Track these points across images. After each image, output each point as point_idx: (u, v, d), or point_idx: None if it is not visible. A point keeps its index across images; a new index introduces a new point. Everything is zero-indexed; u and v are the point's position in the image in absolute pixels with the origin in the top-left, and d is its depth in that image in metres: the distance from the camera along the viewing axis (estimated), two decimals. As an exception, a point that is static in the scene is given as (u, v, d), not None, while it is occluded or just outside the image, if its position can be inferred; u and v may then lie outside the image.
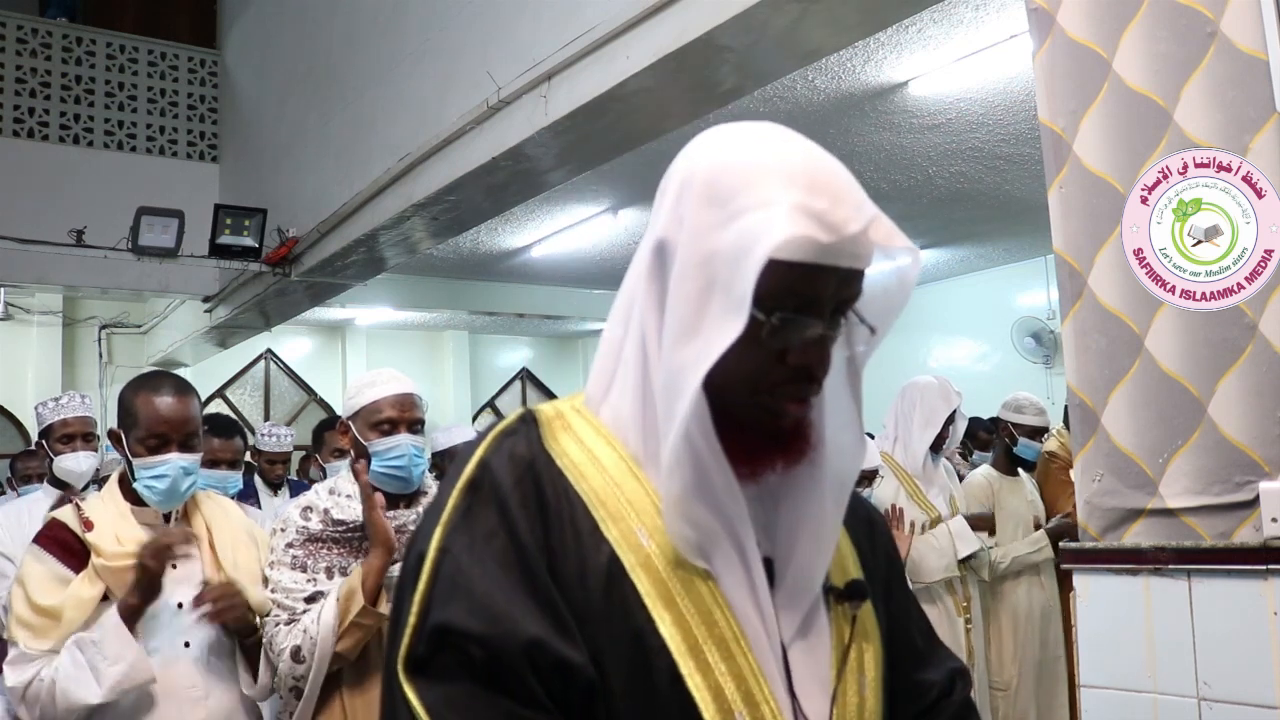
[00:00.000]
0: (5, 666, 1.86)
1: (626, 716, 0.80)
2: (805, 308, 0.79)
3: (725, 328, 0.76)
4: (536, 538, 0.81)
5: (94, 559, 1.89)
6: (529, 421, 0.89)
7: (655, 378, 0.83)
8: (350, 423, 2.23)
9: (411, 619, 0.80)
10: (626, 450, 0.86)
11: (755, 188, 0.78)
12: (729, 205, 0.78)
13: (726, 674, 0.81)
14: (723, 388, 0.80)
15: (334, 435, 4.11)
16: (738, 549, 0.84)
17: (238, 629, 2.01)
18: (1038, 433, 3.74)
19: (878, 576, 0.97)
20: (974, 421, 5.37)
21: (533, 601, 0.79)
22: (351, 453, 2.26)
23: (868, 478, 3.03)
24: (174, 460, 1.96)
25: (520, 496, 0.82)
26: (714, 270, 0.78)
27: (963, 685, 1.02)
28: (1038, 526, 3.67)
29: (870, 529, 1.01)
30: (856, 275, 0.81)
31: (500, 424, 0.89)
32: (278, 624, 2.02)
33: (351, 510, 2.13)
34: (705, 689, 0.80)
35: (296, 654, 1.98)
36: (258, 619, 2.04)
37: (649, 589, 0.81)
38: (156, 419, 1.97)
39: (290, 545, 2.08)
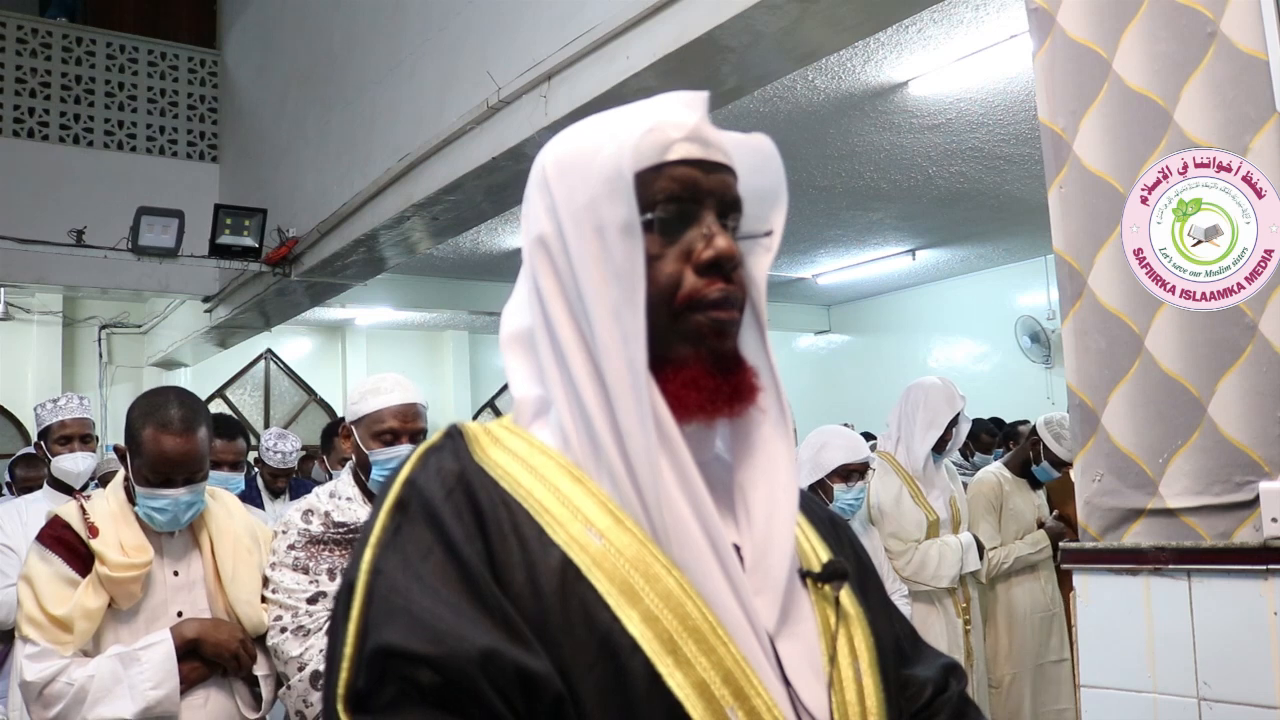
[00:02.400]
0: (25, 660, 1.85)
1: None
2: (687, 198, 0.82)
3: (631, 249, 0.79)
4: (476, 549, 0.75)
5: (98, 567, 1.89)
6: (454, 435, 0.85)
7: (579, 368, 0.81)
8: (353, 427, 2.24)
9: (348, 649, 0.73)
10: (566, 459, 0.81)
11: (598, 138, 0.83)
12: (582, 162, 0.83)
13: (709, 668, 0.75)
14: (650, 321, 0.79)
15: (341, 441, 4.11)
16: (704, 532, 0.79)
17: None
18: (1064, 464, 3.70)
19: (850, 570, 0.93)
20: (976, 423, 5.35)
21: (481, 613, 0.72)
22: (353, 458, 2.27)
23: (859, 471, 3.01)
24: (177, 495, 1.95)
25: (453, 508, 0.77)
26: (597, 214, 0.80)
27: (957, 680, 0.98)
28: (1040, 526, 3.68)
29: (833, 527, 0.98)
30: (723, 170, 0.84)
31: (424, 442, 0.85)
32: (284, 630, 2.01)
33: (352, 513, 2.13)
34: (688, 686, 0.74)
35: (316, 680, 1.96)
36: (258, 638, 2.03)
37: (609, 588, 0.75)
38: (161, 459, 1.93)
39: (292, 547, 2.08)
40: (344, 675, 0.73)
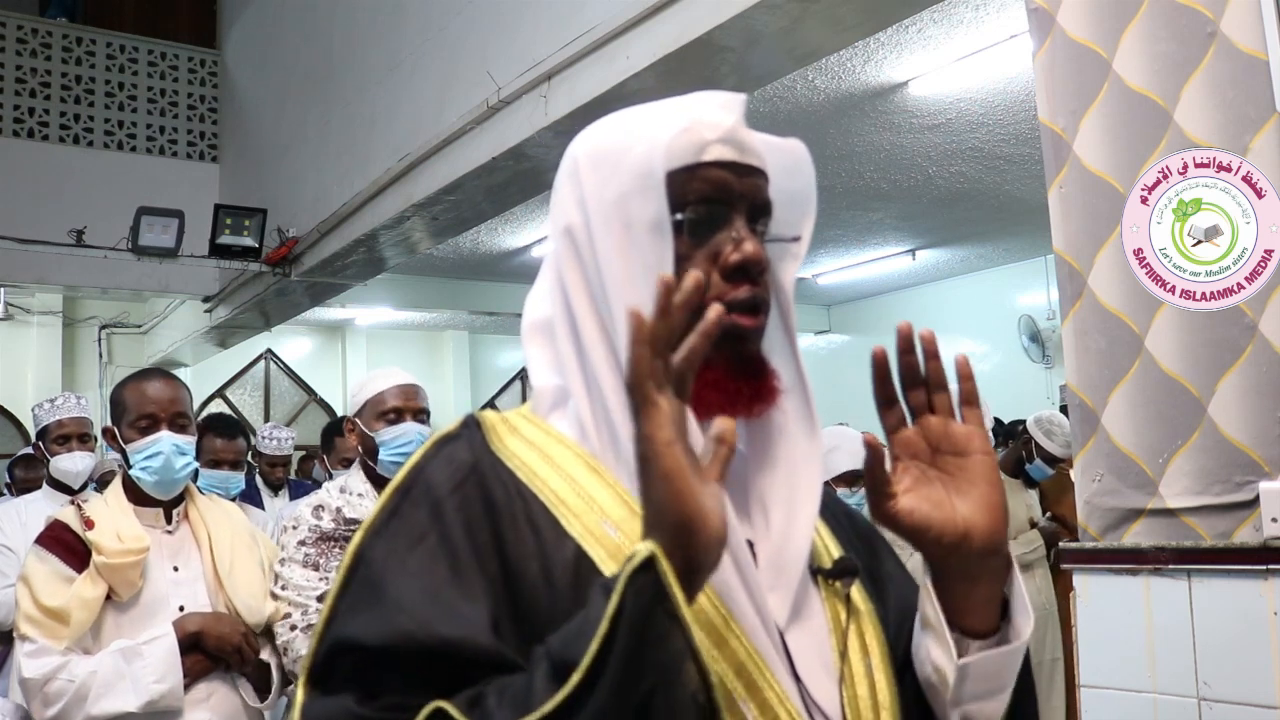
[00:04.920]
0: (24, 658, 1.85)
1: None
2: (718, 200, 0.82)
3: (660, 247, 0.78)
4: (476, 543, 0.76)
5: (95, 557, 1.90)
6: (471, 425, 0.85)
7: (599, 360, 0.81)
8: (356, 419, 2.25)
9: (320, 628, 0.77)
10: (583, 450, 0.82)
11: (633, 133, 0.83)
12: (614, 156, 0.83)
13: (721, 660, 0.75)
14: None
15: (344, 441, 4.13)
16: None
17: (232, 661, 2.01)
18: (1056, 460, 3.69)
19: (861, 563, 0.92)
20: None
21: (457, 605, 0.73)
22: (359, 449, 2.27)
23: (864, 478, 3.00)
24: (166, 437, 1.99)
25: (459, 500, 0.78)
26: (626, 209, 0.80)
27: None
28: (1033, 526, 3.68)
29: (850, 520, 0.97)
30: (756, 174, 0.83)
31: (440, 430, 0.86)
32: (293, 628, 2.01)
33: (363, 508, 2.14)
34: None
35: None
36: (259, 632, 2.04)
37: None
38: (144, 400, 2.03)
39: (302, 543, 2.09)
40: (312, 649, 0.77)
